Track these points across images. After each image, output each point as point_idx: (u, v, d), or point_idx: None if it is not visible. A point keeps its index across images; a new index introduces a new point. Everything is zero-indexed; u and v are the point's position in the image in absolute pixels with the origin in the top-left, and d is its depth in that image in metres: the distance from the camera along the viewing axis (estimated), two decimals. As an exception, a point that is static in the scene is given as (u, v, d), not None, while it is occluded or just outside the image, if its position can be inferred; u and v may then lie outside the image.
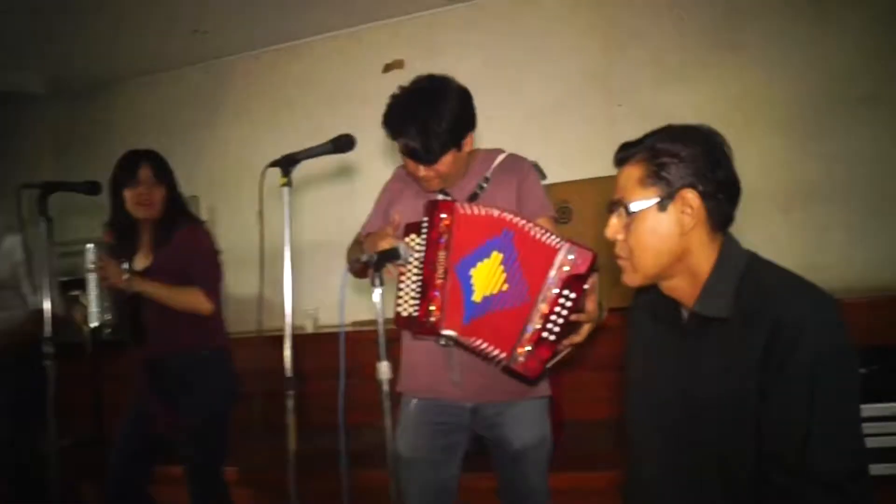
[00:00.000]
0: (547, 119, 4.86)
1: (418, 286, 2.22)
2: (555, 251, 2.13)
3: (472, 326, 2.19)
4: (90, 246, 2.99)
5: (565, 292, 2.11)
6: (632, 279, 1.72)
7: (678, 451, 1.73)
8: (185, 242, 3.13)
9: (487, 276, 2.19)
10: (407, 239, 2.29)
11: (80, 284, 3.38)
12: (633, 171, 1.66)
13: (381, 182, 5.04)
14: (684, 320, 1.75)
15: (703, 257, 1.66)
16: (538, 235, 2.16)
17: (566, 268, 2.11)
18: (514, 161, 2.51)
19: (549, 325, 2.12)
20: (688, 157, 1.61)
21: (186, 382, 3.12)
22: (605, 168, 4.45)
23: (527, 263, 2.16)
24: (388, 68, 5.41)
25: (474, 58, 4.87)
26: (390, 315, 3.65)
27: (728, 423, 1.61)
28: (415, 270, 2.26)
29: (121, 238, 3.19)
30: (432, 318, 2.18)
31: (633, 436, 1.93)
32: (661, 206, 1.62)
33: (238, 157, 5.81)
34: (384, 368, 2.04)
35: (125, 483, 3.15)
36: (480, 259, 2.20)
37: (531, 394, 2.44)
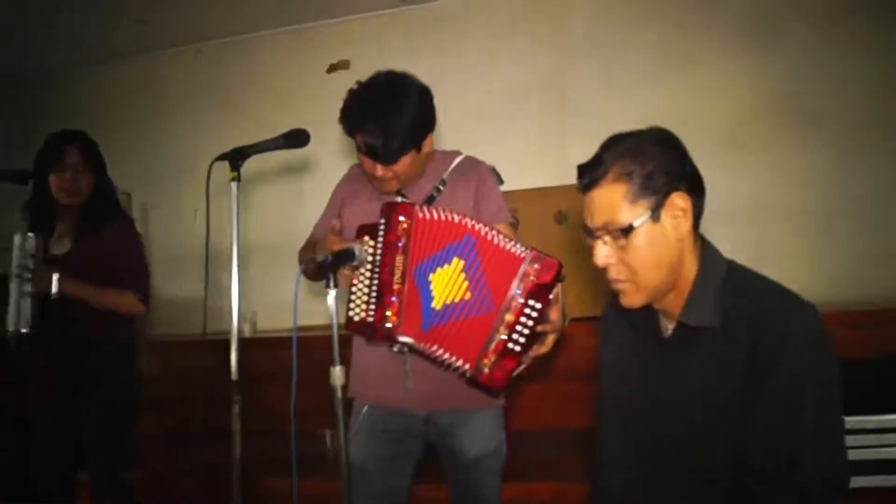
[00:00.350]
0: (496, 126, 4.84)
1: (374, 290, 2.15)
2: (520, 260, 2.09)
3: (432, 334, 2.13)
4: (31, 236, 2.84)
5: (531, 302, 2.06)
6: (634, 300, 1.65)
7: (652, 463, 1.70)
8: (116, 238, 3.03)
9: (448, 283, 2.13)
10: (361, 241, 2.22)
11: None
12: (614, 192, 1.58)
13: (325, 183, 4.92)
14: (665, 331, 1.71)
15: (689, 264, 1.63)
16: (502, 244, 2.11)
17: (531, 277, 2.07)
18: (472, 164, 2.45)
19: (515, 336, 2.08)
20: (662, 161, 1.56)
21: (94, 377, 3.01)
22: (555, 178, 4.54)
23: (490, 272, 2.11)
24: (332, 68, 5.33)
25: (423, 62, 4.69)
26: (328, 321, 3.61)
27: (708, 433, 1.58)
28: (367, 274, 2.19)
29: (37, 220, 3.04)
30: (388, 325, 2.12)
31: (603, 449, 1.88)
32: (654, 217, 1.56)
33: (177, 153, 5.64)
34: (338, 373, 1.95)
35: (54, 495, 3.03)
36: (440, 265, 2.14)
37: (486, 403, 2.37)
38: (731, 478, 1.55)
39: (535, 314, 2.06)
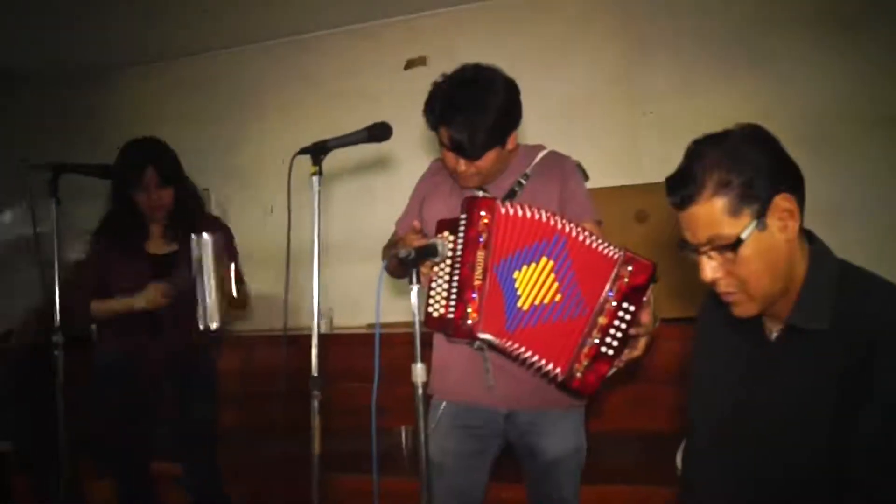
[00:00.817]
0: (567, 124, 4.75)
1: (454, 286, 2.11)
2: (613, 261, 2.05)
3: (519, 335, 2.09)
4: (206, 237, 2.71)
5: (624, 305, 2.02)
6: (748, 310, 1.58)
7: (743, 467, 1.63)
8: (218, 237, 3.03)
9: (536, 283, 2.09)
10: (440, 236, 2.19)
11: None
12: (713, 207, 1.50)
13: (397, 181, 4.99)
14: (770, 335, 1.63)
15: (798, 265, 1.55)
16: (594, 244, 2.07)
17: (625, 279, 2.03)
18: (557, 159, 2.41)
19: (608, 340, 2.04)
20: (760, 163, 1.49)
21: (193, 374, 3.10)
22: (627, 176, 4.48)
23: (582, 273, 2.07)
24: (410, 65, 5.28)
25: (495, 58, 4.66)
26: (404, 318, 3.58)
27: (804, 443, 1.50)
28: (447, 270, 2.16)
29: (124, 226, 3.11)
30: (469, 321, 2.08)
31: (696, 460, 1.83)
32: (761, 226, 1.48)
33: (248, 151, 5.68)
34: (419, 371, 1.92)
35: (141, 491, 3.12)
36: (526, 263, 2.09)
37: (568, 403, 2.34)
38: (825, 493, 1.48)
39: (628, 317, 2.02)
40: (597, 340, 2.04)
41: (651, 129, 4.73)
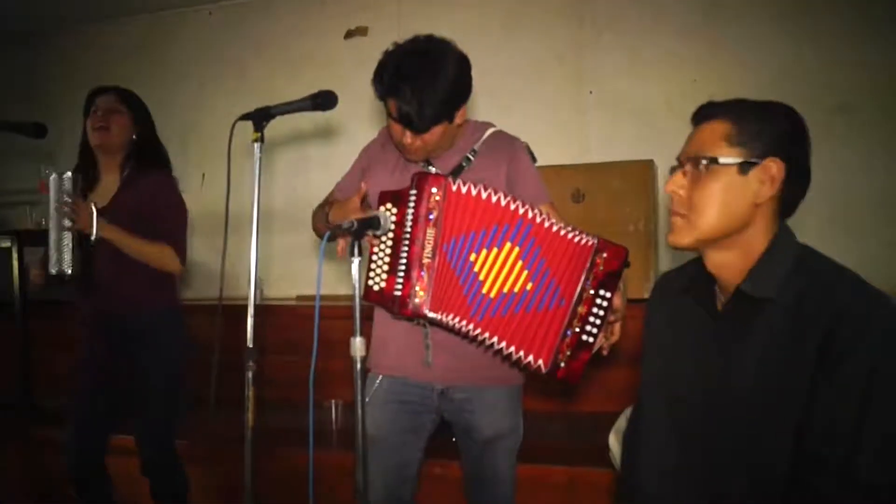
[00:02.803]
0: (514, 100, 4.75)
1: (402, 264, 2.08)
2: (588, 249, 2.05)
3: (488, 323, 2.08)
4: (68, 175, 2.77)
5: (601, 292, 2.03)
6: (682, 238, 1.61)
7: (700, 448, 1.65)
8: (156, 190, 2.95)
9: (503, 270, 2.08)
10: (383, 208, 2.16)
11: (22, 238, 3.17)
12: (718, 127, 1.58)
13: (332, 151, 4.95)
14: (722, 303, 1.66)
15: (761, 236, 1.58)
16: (563, 232, 2.07)
17: (600, 266, 2.04)
18: (505, 139, 2.39)
19: (588, 328, 2.05)
20: (777, 127, 1.55)
21: (145, 340, 2.95)
22: (572, 155, 4.48)
23: (555, 262, 2.07)
24: (350, 34, 5.22)
25: (441, 30, 4.62)
26: (344, 291, 3.55)
27: (764, 420, 1.52)
28: (389, 244, 2.13)
29: (82, 174, 2.96)
30: (417, 299, 2.06)
31: (641, 431, 1.84)
32: (743, 169, 1.54)
33: (182, 117, 5.55)
34: (358, 344, 1.88)
35: (85, 454, 2.99)
36: (486, 247, 2.08)
37: (504, 380, 2.34)
38: (786, 471, 1.50)
39: (605, 303, 2.03)
40: (577, 329, 2.05)
41: (597, 108, 4.75)
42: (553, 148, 4.31)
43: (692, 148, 1.61)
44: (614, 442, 2.65)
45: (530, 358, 2.09)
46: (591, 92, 4.78)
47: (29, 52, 6.03)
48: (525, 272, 2.07)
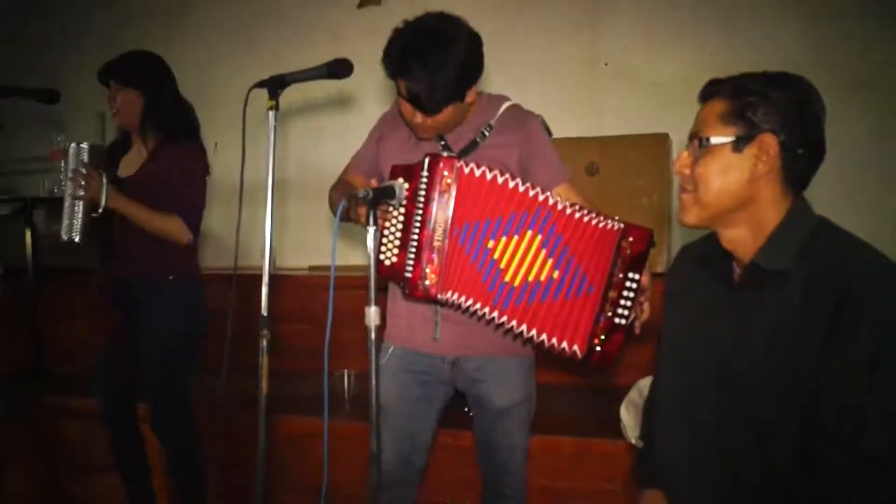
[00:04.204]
0: (529, 72, 4.70)
1: (413, 246, 2.08)
2: (614, 234, 2.05)
3: (517, 312, 2.09)
4: (85, 145, 2.79)
5: (630, 275, 2.05)
6: (689, 215, 1.65)
7: (713, 419, 1.66)
8: (176, 160, 2.96)
9: (525, 258, 2.08)
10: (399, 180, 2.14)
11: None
12: (716, 106, 1.60)
13: (345, 122, 4.92)
14: (737, 276, 1.66)
15: (771, 210, 1.58)
16: (586, 219, 2.06)
17: (627, 250, 2.05)
18: (520, 115, 2.36)
19: (620, 311, 2.07)
20: (778, 102, 1.54)
21: (151, 307, 2.98)
22: (586, 128, 4.45)
23: (580, 249, 2.07)
24: (363, 4, 5.16)
25: (457, 3, 4.61)
26: (356, 262, 3.54)
27: (774, 390, 1.53)
28: (401, 218, 2.12)
29: (113, 144, 3.08)
30: (427, 282, 2.07)
31: (659, 403, 1.87)
32: (737, 147, 1.55)
33: (194, 86, 5.49)
34: (372, 314, 1.88)
35: (117, 410, 3.07)
36: (504, 234, 2.08)
37: (514, 351, 2.35)
38: (796, 442, 1.51)
39: (634, 285, 2.05)
40: (609, 314, 2.08)
41: (612, 81, 4.70)
42: (568, 120, 4.27)
43: (694, 127, 1.65)
44: (625, 414, 2.67)
45: (564, 344, 2.10)
46: (605, 64, 4.73)
47: (41, 17, 5.98)
48: (549, 260, 2.07)
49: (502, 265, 2.08)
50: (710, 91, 1.64)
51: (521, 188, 2.07)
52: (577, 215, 2.07)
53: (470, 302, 2.10)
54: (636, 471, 2.01)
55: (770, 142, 1.53)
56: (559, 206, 2.07)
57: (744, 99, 1.56)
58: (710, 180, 1.59)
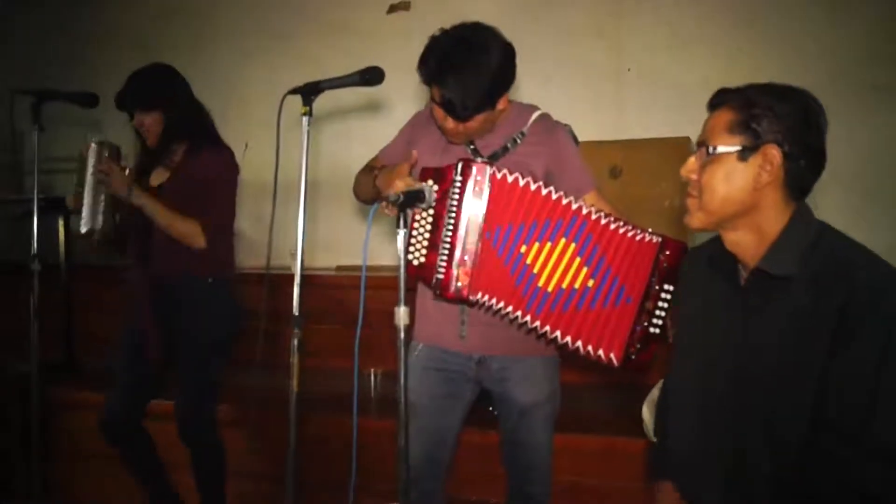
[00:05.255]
0: (553, 74, 4.75)
1: (445, 247, 2.13)
2: (653, 247, 2.12)
3: (547, 317, 2.15)
4: (99, 142, 2.86)
5: (666, 286, 2.12)
6: (695, 219, 1.71)
7: (722, 416, 1.71)
8: (199, 170, 3.02)
9: (559, 265, 2.13)
10: (425, 184, 2.18)
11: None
12: (724, 115, 1.65)
13: (373, 124, 4.97)
14: (744, 279, 1.72)
15: (774, 218, 1.64)
16: (622, 231, 2.12)
17: (664, 264, 2.11)
18: (549, 126, 2.41)
19: (655, 321, 2.14)
20: (783, 115, 1.59)
21: (187, 308, 3.04)
22: (609, 131, 4.49)
23: (617, 260, 2.13)
24: (392, 9, 5.21)
25: (485, 6, 4.60)
26: (385, 262, 3.59)
27: (783, 389, 1.59)
28: (430, 220, 2.17)
29: (141, 156, 3.13)
30: (459, 283, 2.12)
31: (671, 399, 1.93)
32: (742, 156, 1.62)
33: (224, 86, 5.59)
34: (402, 313, 1.93)
35: (123, 416, 3.09)
36: (538, 240, 2.13)
37: (538, 351, 2.39)
38: (804, 438, 1.56)
39: (669, 296, 2.12)
40: (645, 323, 2.14)
41: (635, 84, 4.75)
42: (591, 123, 4.30)
43: (702, 135, 1.70)
44: (647, 413, 2.71)
45: (601, 352, 2.16)
46: (629, 69, 4.78)
47: (74, 16, 6.08)
48: (584, 269, 2.13)
49: (535, 270, 2.13)
50: (719, 101, 1.70)
51: (555, 196, 2.13)
52: (613, 226, 2.12)
53: (501, 305, 2.15)
54: (649, 464, 2.06)
55: (774, 153, 1.59)
56: (593, 216, 2.12)
57: (750, 110, 1.61)
58: (715, 187, 1.65)
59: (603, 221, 2.12)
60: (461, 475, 2.99)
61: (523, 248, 2.13)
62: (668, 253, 2.11)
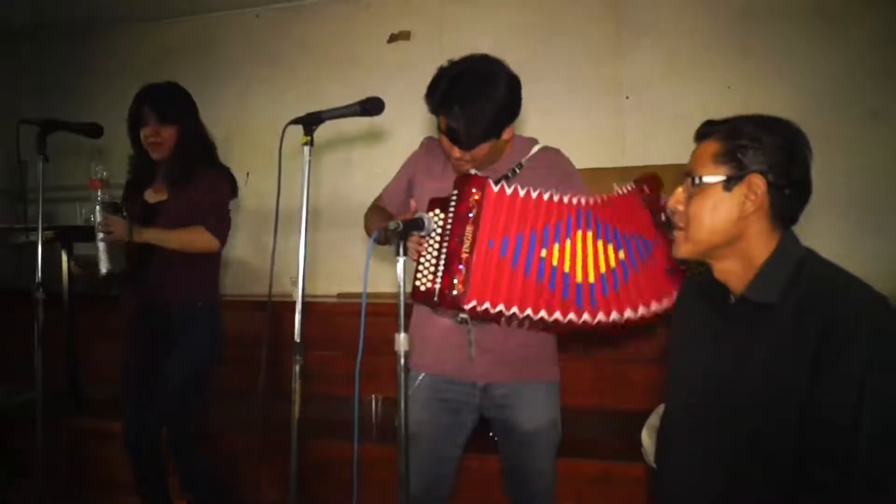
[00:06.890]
0: (552, 103, 4.80)
1: (443, 259, 2.16)
2: (636, 193, 2.25)
3: (608, 304, 2.18)
4: (107, 199, 2.92)
5: (660, 204, 2.16)
6: (683, 249, 1.73)
7: (713, 444, 1.72)
8: (203, 189, 3.07)
9: (584, 255, 2.19)
10: (431, 213, 2.23)
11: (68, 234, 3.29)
12: (710, 146, 1.68)
13: (373, 153, 5.02)
14: (730, 307, 1.74)
15: (760, 246, 1.67)
16: (607, 198, 2.24)
17: (653, 195, 2.25)
18: (551, 155, 2.48)
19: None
20: (767, 145, 1.62)
21: (180, 333, 3.07)
22: (608, 159, 4.53)
23: (624, 222, 2.22)
24: (393, 38, 5.28)
25: (481, 35, 4.72)
26: (385, 289, 3.62)
27: (770, 418, 1.60)
28: (436, 246, 2.20)
29: (138, 172, 3.18)
30: (455, 292, 2.13)
31: (665, 427, 1.94)
32: (727, 186, 1.64)
33: (228, 117, 5.66)
34: (402, 340, 1.96)
35: (140, 442, 3.11)
36: (556, 241, 2.18)
37: (541, 376, 2.43)
38: (795, 462, 1.56)
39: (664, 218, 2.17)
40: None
41: (633, 113, 4.81)
42: (590, 151, 4.38)
43: (688, 166, 1.73)
44: (647, 438, 2.71)
45: (664, 301, 2.23)
46: (627, 97, 4.84)
47: (80, 49, 6.17)
48: (610, 246, 2.19)
49: (567, 269, 2.17)
50: (706, 132, 1.73)
51: (555, 198, 2.20)
52: (600, 200, 2.24)
53: (529, 311, 2.15)
54: (651, 490, 2.07)
55: (758, 181, 1.62)
56: (590, 202, 2.23)
57: (736, 141, 1.64)
58: (701, 218, 1.67)
59: (599, 202, 2.23)
60: (461, 501, 2.98)
61: (543, 253, 2.17)
62: (646, 188, 2.25)
